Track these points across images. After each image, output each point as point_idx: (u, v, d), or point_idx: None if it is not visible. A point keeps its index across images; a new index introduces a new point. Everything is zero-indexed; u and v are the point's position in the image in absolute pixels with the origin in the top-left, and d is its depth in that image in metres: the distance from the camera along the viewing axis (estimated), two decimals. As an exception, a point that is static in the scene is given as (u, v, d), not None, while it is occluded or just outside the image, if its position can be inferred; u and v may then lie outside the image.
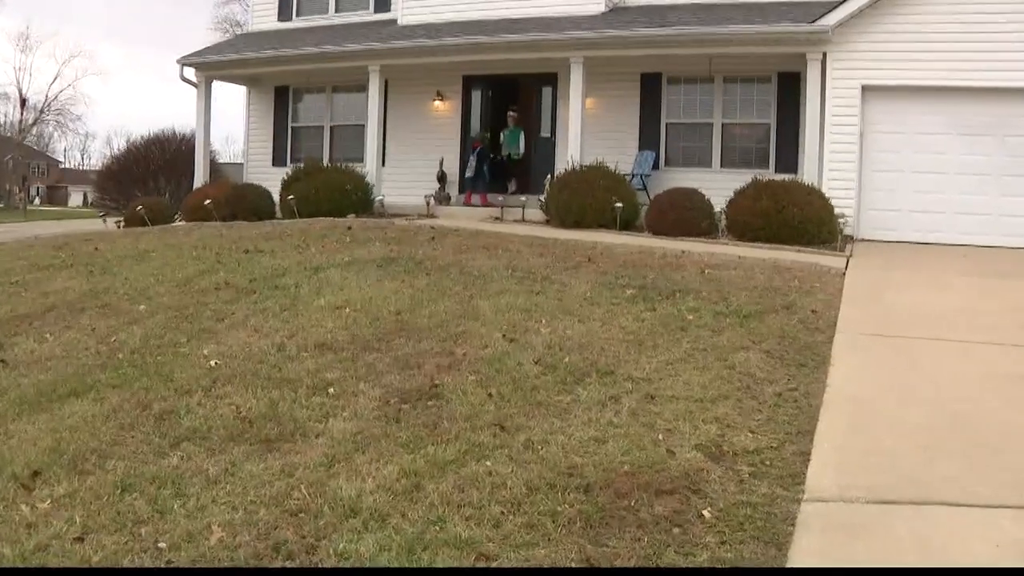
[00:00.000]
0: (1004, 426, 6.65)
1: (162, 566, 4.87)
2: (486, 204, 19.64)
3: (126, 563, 4.90)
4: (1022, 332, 9.35)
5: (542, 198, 18.19)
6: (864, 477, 5.71)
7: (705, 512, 5.22)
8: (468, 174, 20.41)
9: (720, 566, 4.67)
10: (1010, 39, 15.36)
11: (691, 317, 9.41)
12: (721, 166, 18.70)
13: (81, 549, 5.03)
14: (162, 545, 5.05)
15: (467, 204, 20.08)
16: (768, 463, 5.92)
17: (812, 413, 6.83)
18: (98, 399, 7.55)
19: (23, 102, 76.21)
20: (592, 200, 16.41)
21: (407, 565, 4.74)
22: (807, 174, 16.43)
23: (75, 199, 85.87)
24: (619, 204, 16.12)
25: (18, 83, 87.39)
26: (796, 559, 4.70)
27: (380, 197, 19.73)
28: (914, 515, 5.18)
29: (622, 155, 18.30)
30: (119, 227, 20.20)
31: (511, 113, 20.44)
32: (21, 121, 77.06)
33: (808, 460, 5.96)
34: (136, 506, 5.54)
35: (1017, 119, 15.79)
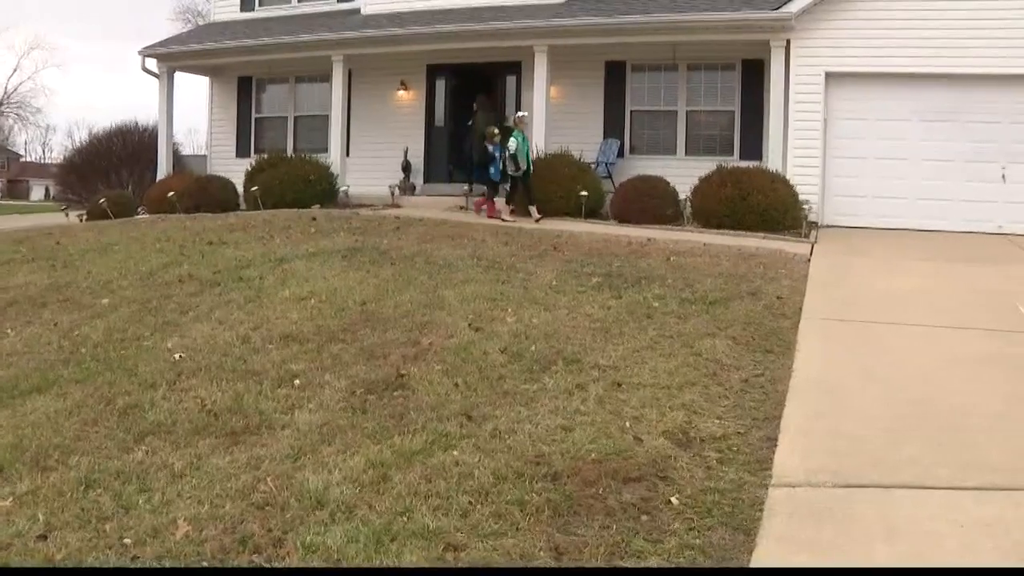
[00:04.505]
0: (966, 408, 6.71)
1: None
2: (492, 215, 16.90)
3: (90, 560, 4.85)
4: (984, 316, 9.44)
5: (507, 187, 18.15)
6: (830, 461, 5.74)
7: (673, 499, 5.22)
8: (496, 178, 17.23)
9: (688, 552, 4.67)
10: (969, 26, 15.46)
11: (657, 304, 9.43)
12: (686, 154, 18.71)
13: (44, 547, 4.97)
14: (127, 541, 4.99)
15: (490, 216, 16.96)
16: (735, 449, 5.94)
17: (778, 399, 6.86)
18: (61, 394, 7.48)
19: (-19, 96, 75.39)
20: (557, 189, 16.41)
21: (375, 556, 4.72)
22: (771, 161, 16.50)
23: (37, 193, 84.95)
24: (584, 192, 16.13)
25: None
26: (764, 544, 4.72)
27: (345, 187, 19.63)
28: (880, 498, 5.22)
29: (587, 143, 18.28)
30: (81, 220, 20.03)
31: (521, 114, 17.51)
32: (-21, 115, 76.21)
33: (775, 445, 5.98)
34: (100, 502, 5.48)
35: (977, 105, 15.92)
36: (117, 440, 6.49)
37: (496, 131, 16.95)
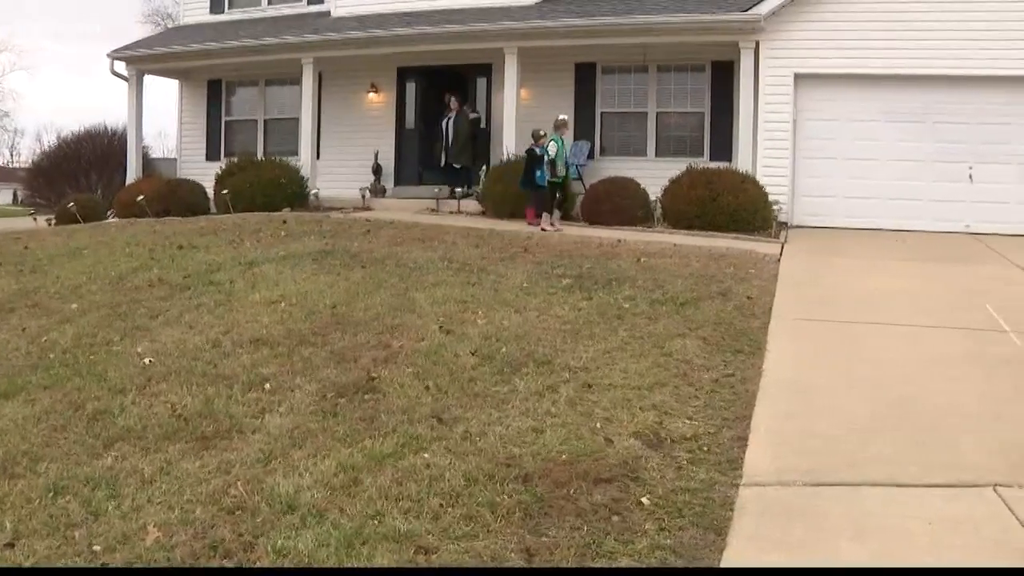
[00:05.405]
0: (935, 406, 6.77)
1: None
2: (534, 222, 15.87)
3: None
4: (954, 315, 9.51)
5: (478, 189, 18.16)
6: (801, 460, 5.78)
7: (644, 499, 5.24)
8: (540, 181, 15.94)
9: (659, 552, 4.69)
10: (937, 27, 15.60)
11: (627, 305, 9.46)
12: (656, 155, 18.75)
13: (12, 555, 4.94)
14: (97, 548, 4.97)
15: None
16: (706, 449, 5.97)
17: (749, 398, 6.90)
18: (29, 401, 7.42)
19: (-53, 100, 74.58)
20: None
21: (346, 560, 4.71)
22: (741, 162, 16.55)
23: (4, 197, 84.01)
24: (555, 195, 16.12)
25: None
26: (735, 543, 4.75)
27: (315, 190, 19.58)
28: (850, 496, 5.26)
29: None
30: (50, 225, 19.87)
31: (562, 117, 16.84)
32: (-54, 119, 75.35)
33: (745, 445, 6.02)
34: (69, 509, 5.45)
35: (946, 105, 16.05)
36: (86, 446, 6.45)
37: (543, 132, 16.16)
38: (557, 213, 15.63)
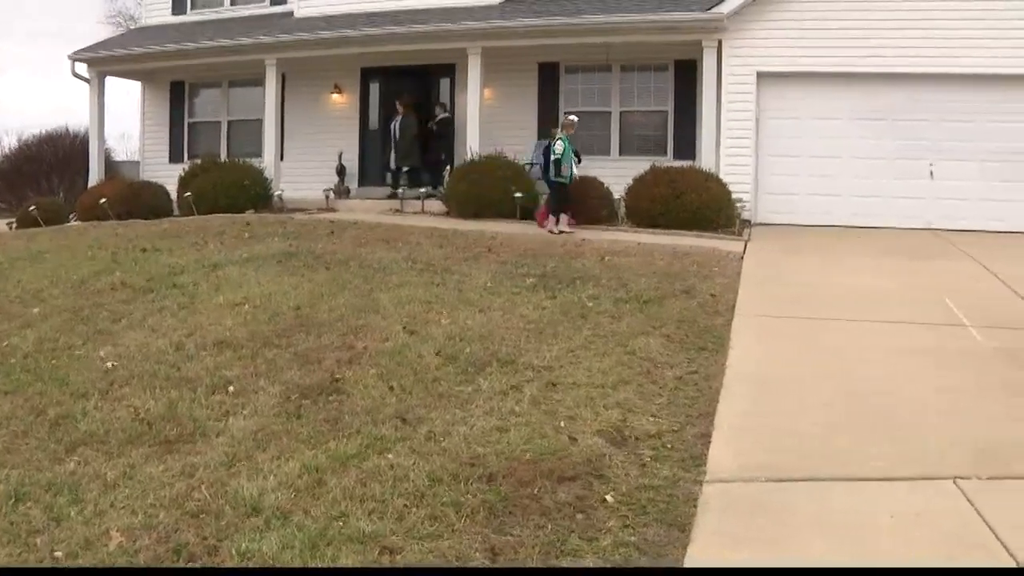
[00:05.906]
0: (898, 401, 6.85)
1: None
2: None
3: None
4: (915, 310, 9.60)
5: (442, 189, 18.13)
6: (764, 456, 5.82)
7: (608, 497, 5.27)
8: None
9: (623, 549, 4.72)
10: (898, 27, 15.69)
11: (591, 304, 9.49)
12: (620, 154, 18.74)
13: (-29, 562, 4.91)
14: (58, 554, 4.95)
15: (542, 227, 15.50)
16: (670, 446, 6.01)
17: (712, 395, 6.94)
18: (-10, 406, 7.37)
19: (-94, 102, 73.72)
20: (492, 191, 16.35)
21: (311, 561, 4.71)
22: (705, 160, 16.59)
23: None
24: (519, 194, 16.11)
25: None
26: (698, 539, 4.78)
27: (279, 192, 19.44)
28: (813, 490, 5.31)
29: (521, 145, 18.20)
30: (11, 228, 19.67)
31: (571, 117, 16.48)
32: (-96, 122, 74.56)
33: (709, 442, 6.06)
34: (31, 515, 5.42)
35: (907, 103, 16.14)
36: (48, 451, 6.42)
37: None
38: (564, 217, 15.37)
